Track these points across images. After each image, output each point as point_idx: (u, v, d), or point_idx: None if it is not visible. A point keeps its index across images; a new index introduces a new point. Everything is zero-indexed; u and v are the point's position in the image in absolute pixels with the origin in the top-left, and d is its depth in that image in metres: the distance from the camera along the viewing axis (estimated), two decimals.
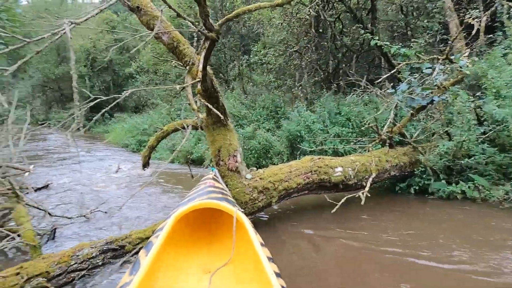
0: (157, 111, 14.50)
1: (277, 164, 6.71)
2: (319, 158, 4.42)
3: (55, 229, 3.64)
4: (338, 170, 4.33)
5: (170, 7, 2.54)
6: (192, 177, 4.31)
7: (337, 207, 3.76)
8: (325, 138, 6.52)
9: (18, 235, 3.20)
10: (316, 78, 9.53)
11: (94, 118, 3.27)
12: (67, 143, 13.32)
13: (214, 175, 3.62)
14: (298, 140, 6.73)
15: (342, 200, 3.81)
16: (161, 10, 2.94)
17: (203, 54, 2.96)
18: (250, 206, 3.74)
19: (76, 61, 19.03)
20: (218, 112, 3.04)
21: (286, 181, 4.00)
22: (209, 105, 2.94)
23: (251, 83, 11.92)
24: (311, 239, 3.64)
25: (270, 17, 9.83)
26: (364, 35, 6.93)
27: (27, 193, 5.03)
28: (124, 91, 2.66)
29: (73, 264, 2.60)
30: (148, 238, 3.12)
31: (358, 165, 4.44)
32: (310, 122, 6.67)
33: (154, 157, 9.78)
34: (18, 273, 2.35)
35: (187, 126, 4.15)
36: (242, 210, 2.99)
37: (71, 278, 2.55)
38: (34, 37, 2.73)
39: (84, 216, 4.19)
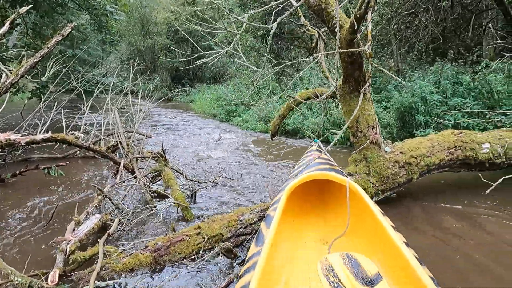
0: (239, 81, 14.70)
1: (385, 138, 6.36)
2: (460, 133, 3.98)
3: (195, 192, 3.81)
4: (485, 146, 3.86)
5: None
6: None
7: (493, 186, 3.36)
8: (445, 110, 5.92)
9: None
10: (422, 46, 8.60)
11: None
12: (160, 112, 14.18)
13: (318, 146, 3.50)
14: (412, 112, 6.20)
15: (499, 181, 3.40)
16: None
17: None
18: (391, 182, 3.51)
19: (159, 34, 19.85)
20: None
21: (429, 156, 3.66)
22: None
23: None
24: (451, 222, 3.32)
25: None
26: None
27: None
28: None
29: (240, 228, 2.66)
30: None
31: (508, 141, 3.91)
32: (427, 93, 6.06)
33: (244, 127, 9.98)
34: (198, 233, 2.46)
35: (320, 95, 4.03)
36: (352, 179, 2.87)
37: (240, 242, 2.62)
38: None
39: (213, 181, 4.34)
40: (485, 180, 3.42)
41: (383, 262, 2.02)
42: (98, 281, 2.07)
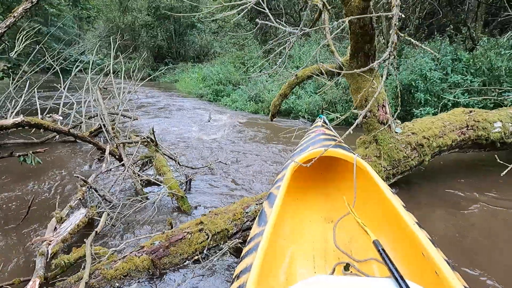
0: (225, 59, 14.18)
1: None
2: (471, 111, 3.76)
3: (190, 179, 3.48)
4: (497, 125, 3.66)
5: None
6: None
7: (510, 168, 3.17)
8: (444, 87, 5.71)
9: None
10: (416, 22, 8.33)
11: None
12: (144, 93, 13.57)
13: (323, 122, 3.27)
14: (411, 90, 5.97)
15: None
16: None
17: None
18: (402, 165, 3.27)
19: (139, 10, 18.71)
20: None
21: (441, 136, 3.43)
22: None
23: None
24: (456, 202, 3.22)
25: None
26: None
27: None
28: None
29: (246, 222, 2.37)
30: None
31: None
32: (427, 70, 5.81)
33: (233, 107, 9.59)
34: (201, 230, 2.16)
35: (326, 72, 3.70)
36: (359, 156, 2.76)
37: (248, 236, 2.33)
38: None
39: (208, 167, 4.01)
40: (501, 162, 3.22)
41: (393, 244, 1.89)
42: None
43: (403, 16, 1.92)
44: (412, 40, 2.12)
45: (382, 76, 2.42)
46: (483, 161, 4.16)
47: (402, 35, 2.19)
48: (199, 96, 12.42)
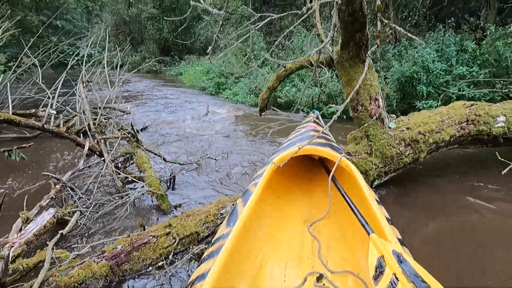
0: (228, 52, 13.96)
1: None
2: (472, 105, 3.53)
3: (174, 176, 3.36)
4: (500, 119, 3.43)
5: None
6: None
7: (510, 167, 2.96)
8: (449, 80, 5.44)
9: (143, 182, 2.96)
10: (423, 11, 8.02)
11: None
12: (147, 85, 13.52)
13: (316, 118, 3.09)
14: (413, 82, 5.71)
15: None
16: None
17: None
18: (396, 162, 3.09)
19: (145, 2, 18.47)
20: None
21: (438, 132, 3.23)
22: None
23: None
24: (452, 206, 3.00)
25: None
26: None
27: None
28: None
29: (219, 224, 2.23)
30: None
31: None
32: (430, 62, 5.54)
33: (234, 100, 9.42)
34: (168, 233, 2.03)
35: (316, 63, 3.51)
36: (348, 156, 2.61)
37: None
38: None
39: (196, 163, 3.88)
40: (502, 159, 3.01)
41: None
42: None
43: (378, 3, 1.74)
44: (397, 27, 1.92)
45: (373, 68, 2.23)
46: (486, 157, 3.94)
47: (387, 21, 2.00)
48: (201, 89, 12.27)
